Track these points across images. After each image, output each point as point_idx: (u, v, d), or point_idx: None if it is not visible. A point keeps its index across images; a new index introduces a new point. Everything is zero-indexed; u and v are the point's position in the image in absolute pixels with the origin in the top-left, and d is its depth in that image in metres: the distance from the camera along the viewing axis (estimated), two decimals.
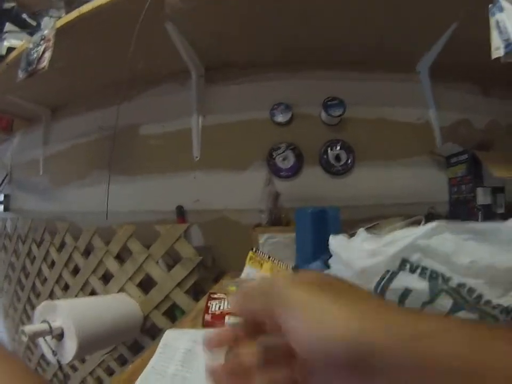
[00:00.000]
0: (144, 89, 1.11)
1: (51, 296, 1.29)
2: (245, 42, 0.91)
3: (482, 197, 1.06)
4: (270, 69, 0.98)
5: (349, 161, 0.91)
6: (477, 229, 0.38)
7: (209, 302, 0.56)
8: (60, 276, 1.24)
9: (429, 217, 0.75)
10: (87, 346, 0.72)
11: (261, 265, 0.75)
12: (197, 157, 0.96)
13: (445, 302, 0.33)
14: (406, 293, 0.34)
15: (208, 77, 1.02)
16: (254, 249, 0.75)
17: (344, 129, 0.95)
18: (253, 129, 0.96)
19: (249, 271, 0.75)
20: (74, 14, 0.85)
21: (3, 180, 1.54)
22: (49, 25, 0.90)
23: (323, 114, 0.93)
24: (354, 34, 0.87)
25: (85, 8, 0.82)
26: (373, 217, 0.74)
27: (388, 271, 0.35)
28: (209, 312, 0.54)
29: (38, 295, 1.36)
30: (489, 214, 0.98)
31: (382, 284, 0.35)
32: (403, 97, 1.03)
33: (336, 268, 0.46)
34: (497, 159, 1.06)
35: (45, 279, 1.31)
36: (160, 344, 0.46)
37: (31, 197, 1.46)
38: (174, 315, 0.97)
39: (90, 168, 1.16)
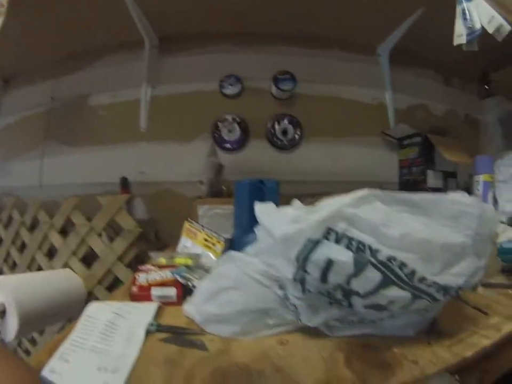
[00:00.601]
0: (97, 58, 1.07)
1: None
2: (199, 13, 0.88)
3: (433, 180, 1.07)
4: (223, 41, 0.96)
5: (296, 136, 0.90)
6: (413, 200, 0.34)
7: (136, 274, 0.54)
8: (8, 254, 1.20)
9: None
10: (28, 323, 0.70)
11: (196, 236, 0.73)
12: (143, 128, 0.93)
13: (372, 276, 0.30)
14: (328, 264, 0.31)
15: (162, 47, 0.99)
16: (189, 220, 0.73)
17: (294, 105, 0.94)
18: (202, 100, 0.94)
19: (185, 242, 0.74)
20: None
21: None
22: None
23: (273, 89, 0.91)
24: (314, 10, 0.85)
25: None
26: (318, 194, 0.74)
27: (309, 239, 0.32)
28: (136, 284, 0.52)
29: None
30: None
31: (303, 253, 0.32)
32: (360, 77, 1.02)
33: (261, 236, 0.43)
34: (451, 145, 1.08)
35: None
36: (83, 316, 0.44)
37: None
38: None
39: (38, 141, 1.11)
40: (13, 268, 1.20)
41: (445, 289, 0.31)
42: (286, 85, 0.90)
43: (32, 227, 1.09)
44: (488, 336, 0.34)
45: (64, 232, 1.02)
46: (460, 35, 0.73)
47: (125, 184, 0.92)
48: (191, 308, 0.42)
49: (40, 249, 1.08)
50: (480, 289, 0.47)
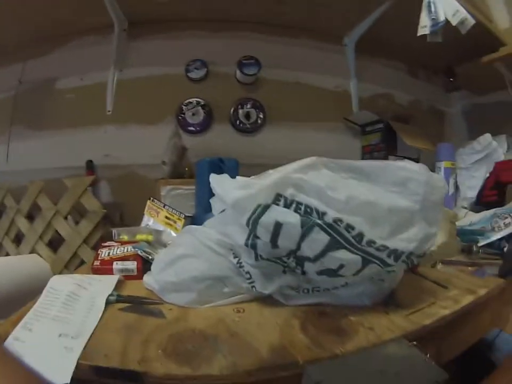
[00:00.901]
0: (66, 41, 1.05)
1: None
2: None
3: None
4: (191, 26, 0.97)
5: (259, 120, 0.92)
6: (359, 167, 0.35)
7: (99, 250, 0.56)
8: None
9: None
10: None
11: (157, 214, 0.75)
12: (109, 111, 0.94)
13: (320, 237, 0.31)
14: (277, 227, 0.32)
15: (130, 31, 1.00)
16: (151, 199, 0.75)
17: (259, 89, 0.96)
18: (167, 84, 0.94)
19: (147, 220, 0.75)
20: None
21: None
22: None
23: (238, 73, 0.93)
24: None
25: None
26: None
27: (259, 204, 0.32)
28: (99, 258, 0.53)
29: None
30: None
31: (252, 217, 0.32)
32: (325, 65, 1.05)
33: (215, 205, 0.44)
34: (413, 132, 1.12)
35: None
36: (46, 288, 0.45)
37: None
38: None
39: (4, 126, 1.09)
40: None
41: (395, 253, 0.31)
42: (250, 70, 0.92)
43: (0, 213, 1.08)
44: (447, 307, 0.34)
45: (30, 217, 1.01)
46: (424, 26, 0.77)
47: (90, 167, 0.92)
48: (149, 278, 0.44)
49: (7, 235, 1.06)
50: (440, 267, 0.50)
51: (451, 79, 1.26)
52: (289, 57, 1.01)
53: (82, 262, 0.93)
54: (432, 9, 0.75)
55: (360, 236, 0.31)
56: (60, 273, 0.96)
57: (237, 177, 0.40)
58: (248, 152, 0.89)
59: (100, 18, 0.96)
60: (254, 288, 0.37)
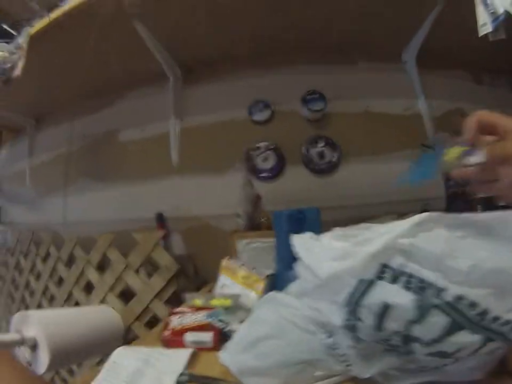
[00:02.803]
0: (123, 94, 1.09)
1: (39, 308, 1.27)
2: (216, 36, 0.87)
3: None
4: (246, 65, 0.95)
5: (334, 158, 0.86)
6: (477, 221, 0.29)
7: (170, 317, 0.51)
8: (46, 287, 1.22)
9: None
10: (60, 357, 0.69)
11: (235, 273, 0.70)
12: (175, 162, 0.93)
13: (438, 320, 0.26)
14: (385, 310, 0.27)
15: (185, 78, 0.99)
16: (228, 257, 0.70)
17: (328, 125, 0.89)
18: (232, 129, 0.92)
19: (223, 280, 0.70)
20: (44, 21, 0.83)
21: None
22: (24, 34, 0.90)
23: (303, 110, 0.88)
24: (331, 24, 0.83)
25: (54, 14, 0.81)
26: (362, 218, 0.68)
27: (361, 280, 0.27)
28: (169, 328, 0.49)
29: (27, 307, 1.34)
30: (490, 208, 0.90)
31: (353, 297, 0.28)
32: (389, 88, 0.97)
33: (303, 274, 0.38)
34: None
35: (33, 291, 1.29)
36: (109, 362, 0.42)
37: (19, 208, 1.45)
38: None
39: (72, 177, 1.14)
40: (51, 301, 1.22)
41: None
42: (315, 105, 0.87)
43: (69, 262, 1.11)
44: None
45: (101, 268, 1.02)
46: (484, 24, 0.66)
47: (160, 219, 0.91)
48: (226, 356, 0.38)
49: (77, 284, 1.09)
50: None
51: None
52: (352, 85, 0.94)
53: (154, 316, 0.91)
54: (488, 2, 0.65)
55: (484, 313, 0.25)
56: (131, 324, 0.94)
57: (326, 241, 0.34)
58: (326, 193, 0.83)
59: (152, 70, 0.97)
60: (350, 372, 0.32)
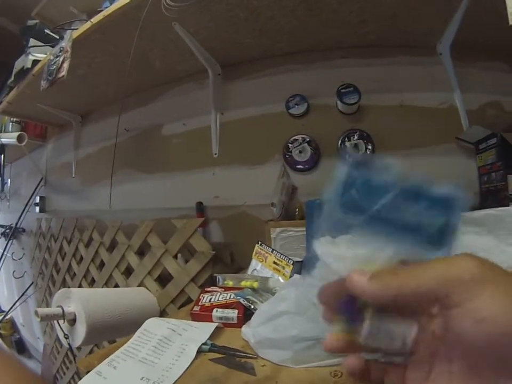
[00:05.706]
0: (165, 90, 1.15)
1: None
2: (255, 37, 0.90)
3: None
4: (283, 61, 0.97)
5: (368, 151, 0.87)
6: (476, 219, 0.32)
7: (201, 295, 0.56)
8: (87, 270, 1.31)
9: None
10: (96, 332, 0.75)
11: (265, 258, 0.73)
12: (215, 154, 0.98)
13: None
14: None
15: (224, 74, 1.04)
16: (259, 243, 0.73)
17: (362, 118, 0.91)
18: (269, 123, 0.95)
19: (255, 265, 0.74)
20: (87, 25, 0.89)
21: (39, 183, 1.68)
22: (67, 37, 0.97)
23: (339, 103, 0.89)
24: (365, 17, 0.83)
25: (96, 18, 0.86)
26: None
27: None
28: (199, 304, 0.53)
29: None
30: None
31: None
32: (424, 81, 0.96)
33: (325, 276, 0.41)
34: None
35: (74, 274, 1.39)
36: (140, 329, 0.46)
37: (64, 198, 1.57)
38: None
39: (116, 168, 1.22)
40: (91, 284, 1.31)
41: None
42: (350, 99, 0.88)
43: (111, 247, 1.19)
44: None
45: (140, 253, 1.09)
46: None
47: (200, 208, 0.96)
48: (247, 330, 0.42)
49: (118, 268, 1.16)
50: None
51: None
52: (387, 78, 0.95)
53: (189, 299, 0.96)
54: None
55: None
56: (166, 307, 1.00)
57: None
58: None
59: (193, 66, 1.03)
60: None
